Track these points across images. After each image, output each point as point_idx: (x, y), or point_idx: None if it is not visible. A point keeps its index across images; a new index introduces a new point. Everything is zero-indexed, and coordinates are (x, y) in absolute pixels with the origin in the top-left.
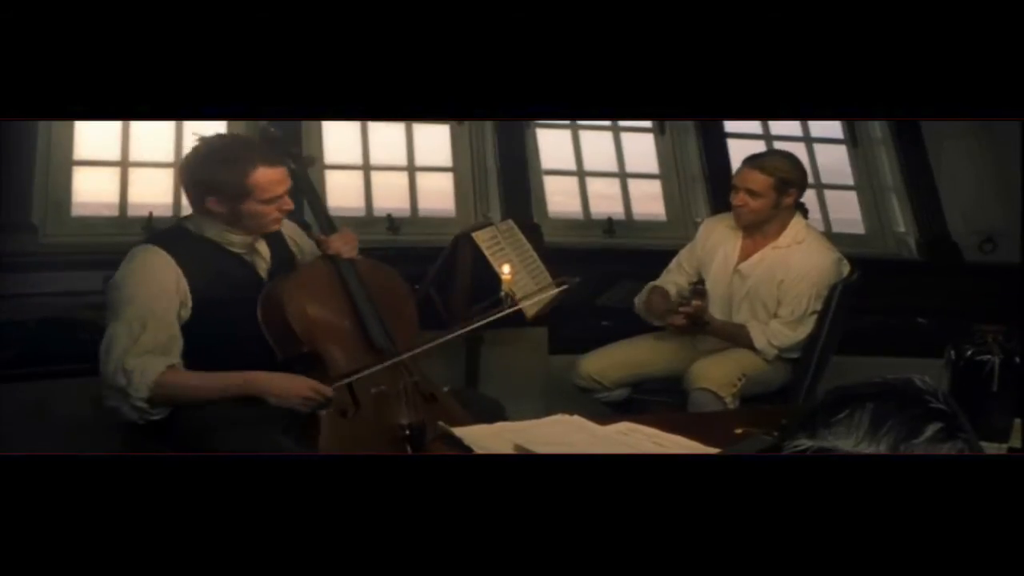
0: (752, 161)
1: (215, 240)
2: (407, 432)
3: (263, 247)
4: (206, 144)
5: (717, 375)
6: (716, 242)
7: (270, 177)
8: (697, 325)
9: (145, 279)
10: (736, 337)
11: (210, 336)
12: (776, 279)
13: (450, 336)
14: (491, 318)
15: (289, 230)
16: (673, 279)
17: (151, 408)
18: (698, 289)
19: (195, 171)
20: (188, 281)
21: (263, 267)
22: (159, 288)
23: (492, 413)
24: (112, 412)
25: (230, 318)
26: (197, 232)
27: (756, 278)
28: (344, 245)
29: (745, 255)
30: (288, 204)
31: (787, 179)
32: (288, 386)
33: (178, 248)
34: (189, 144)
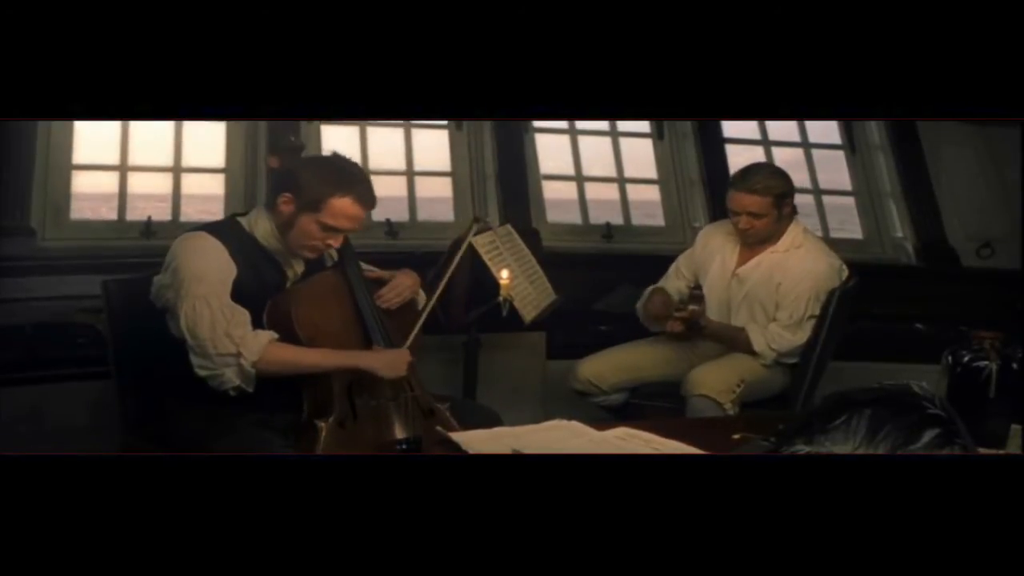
0: (741, 184)
1: (260, 241)
2: (403, 447)
3: (299, 265)
4: (332, 155)
5: (716, 381)
6: (714, 248)
7: (347, 210)
8: (694, 330)
9: (207, 260)
10: (735, 340)
11: None
12: (774, 282)
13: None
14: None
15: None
16: (672, 284)
17: (258, 375)
18: (695, 294)
19: (299, 164)
20: (235, 274)
21: (292, 280)
22: (222, 270)
23: (490, 426)
24: (211, 380)
25: (254, 318)
26: (248, 229)
27: (754, 282)
28: (412, 286)
29: (743, 260)
30: (336, 242)
31: (781, 193)
32: (395, 361)
33: (227, 238)
34: (189, 147)
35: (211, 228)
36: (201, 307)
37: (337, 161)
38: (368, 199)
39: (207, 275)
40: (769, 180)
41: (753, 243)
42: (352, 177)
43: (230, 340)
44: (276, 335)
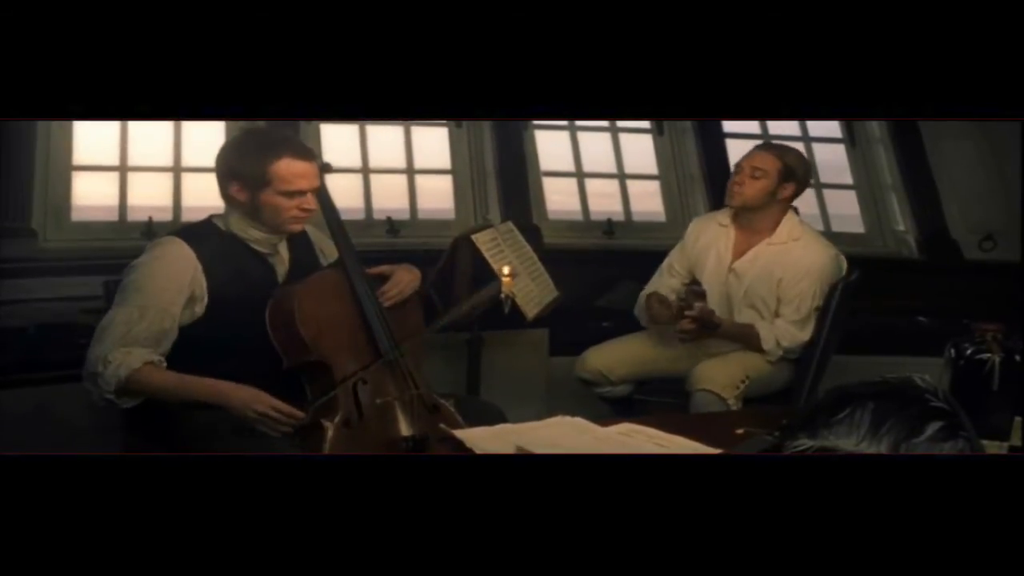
0: (764, 146)
1: (240, 236)
2: (409, 445)
3: (284, 250)
4: (243, 132)
5: (720, 377)
6: (708, 242)
7: (293, 169)
8: (708, 327)
9: (159, 270)
10: (745, 338)
11: (223, 334)
12: (775, 277)
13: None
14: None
15: (318, 239)
16: (665, 283)
17: (117, 399)
18: (695, 291)
19: (225, 155)
20: (207, 277)
21: (282, 271)
22: (170, 281)
23: (494, 421)
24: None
25: (245, 319)
26: (224, 228)
27: (753, 276)
28: (412, 281)
29: (738, 253)
30: (309, 203)
31: (792, 168)
32: (245, 398)
33: (202, 243)
34: (189, 147)
35: (188, 233)
36: (119, 318)
37: (256, 133)
38: (302, 151)
39: (147, 287)
40: (789, 151)
41: (738, 207)
42: (277, 139)
43: (103, 363)
44: (149, 358)
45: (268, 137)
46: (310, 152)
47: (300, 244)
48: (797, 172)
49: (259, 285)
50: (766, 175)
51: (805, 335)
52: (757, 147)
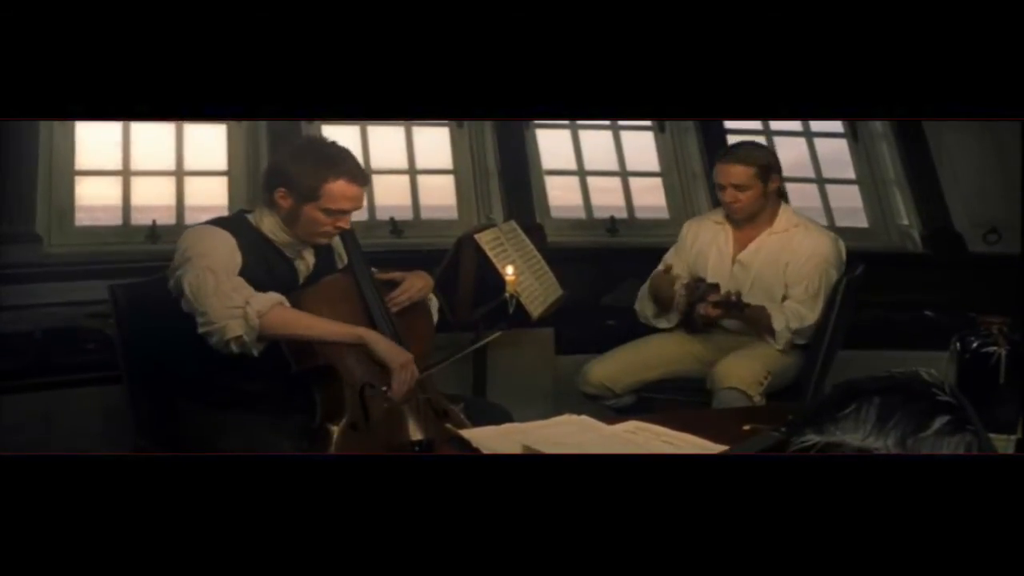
0: (726, 157)
1: (268, 236)
2: (417, 449)
3: (310, 255)
4: (305, 142)
5: (745, 374)
6: (707, 240)
7: (345, 192)
8: (735, 308)
9: (214, 241)
10: (757, 320)
11: None
12: (781, 262)
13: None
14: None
15: (338, 246)
16: None
17: (261, 332)
18: (708, 284)
19: (283, 159)
20: (242, 263)
21: (304, 274)
22: (228, 252)
23: (500, 422)
24: (212, 336)
25: None
26: (255, 224)
27: (759, 265)
28: (423, 288)
29: (741, 246)
30: (345, 223)
31: (767, 165)
32: (395, 350)
33: (236, 231)
34: (192, 151)
35: (220, 222)
36: (205, 274)
37: (319, 146)
38: (359, 175)
39: (213, 252)
40: (752, 151)
41: (742, 220)
42: (338, 158)
43: (238, 294)
44: (282, 299)
45: (329, 153)
46: (365, 177)
47: (323, 250)
48: (771, 164)
49: (281, 285)
50: (749, 186)
51: (813, 316)
52: (722, 161)
